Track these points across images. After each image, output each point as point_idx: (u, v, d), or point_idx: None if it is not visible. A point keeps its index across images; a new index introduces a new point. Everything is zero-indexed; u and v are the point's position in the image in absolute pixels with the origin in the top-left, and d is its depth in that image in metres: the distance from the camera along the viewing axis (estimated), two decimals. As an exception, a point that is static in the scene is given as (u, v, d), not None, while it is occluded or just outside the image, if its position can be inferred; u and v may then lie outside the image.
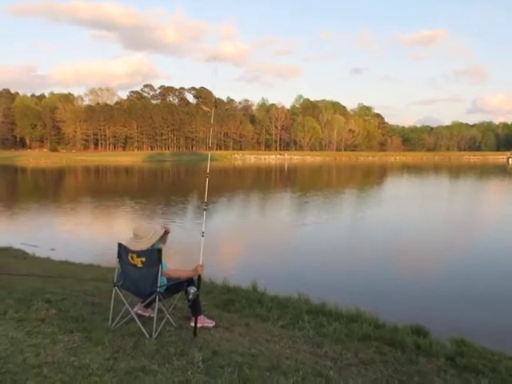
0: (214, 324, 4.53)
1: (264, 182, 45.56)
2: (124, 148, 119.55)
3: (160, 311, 4.21)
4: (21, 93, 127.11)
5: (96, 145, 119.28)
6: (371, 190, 34.00)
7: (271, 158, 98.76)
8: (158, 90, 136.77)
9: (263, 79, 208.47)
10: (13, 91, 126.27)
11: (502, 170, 61.90)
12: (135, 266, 4.15)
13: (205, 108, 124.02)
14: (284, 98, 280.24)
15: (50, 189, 35.71)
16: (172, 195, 28.00)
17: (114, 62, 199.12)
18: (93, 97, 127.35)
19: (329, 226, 16.98)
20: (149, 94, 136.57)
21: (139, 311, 4.44)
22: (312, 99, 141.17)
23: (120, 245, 4.24)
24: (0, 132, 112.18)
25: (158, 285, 4.06)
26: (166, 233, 4.51)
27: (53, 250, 10.93)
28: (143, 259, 4.11)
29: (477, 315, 7.20)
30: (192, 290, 4.18)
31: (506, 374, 3.79)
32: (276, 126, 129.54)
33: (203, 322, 4.43)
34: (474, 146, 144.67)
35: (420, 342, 4.38)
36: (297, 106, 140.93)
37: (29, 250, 10.35)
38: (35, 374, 3.15)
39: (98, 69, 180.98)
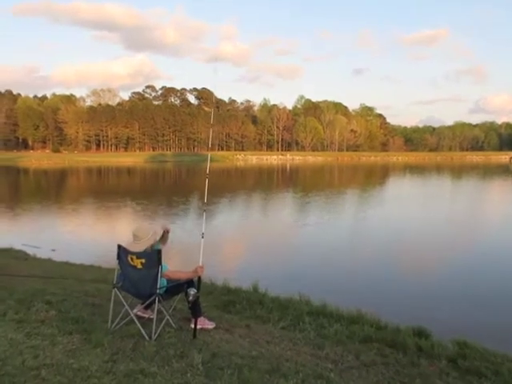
0: (214, 326, 4.51)
1: (265, 182, 45.53)
2: (126, 149, 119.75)
3: (160, 313, 4.18)
4: (23, 94, 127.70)
5: (98, 146, 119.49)
6: (373, 191, 33.93)
7: (273, 159, 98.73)
8: (160, 91, 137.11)
9: (264, 79, 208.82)
10: (15, 92, 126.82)
11: (504, 170, 61.72)
12: (135, 267, 4.13)
13: (206, 109, 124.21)
14: (286, 99, 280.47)
15: (51, 190, 35.77)
16: (173, 196, 28.01)
17: (115, 63, 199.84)
18: (95, 98, 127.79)
19: (330, 226, 16.94)
20: (150, 94, 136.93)
21: (139, 313, 4.41)
22: (314, 100, 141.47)
23: (119, 246, 4.22)
24: (2, 133, 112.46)
25: (158, 286, 4.04)
26: (166, 232, 4.49)
27: (54, 250, 10.93)
28: (143, 260, 4.08)
29: (479, 316, 7.16)
30: (192, 291, 4.16)
31: (509, 377, 3.76)
32: (278, 127, 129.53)
33: (203, 323, 4.41)
34: (476, 146, 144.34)
35: (422, 344, 4.34)
36: (298, 106, 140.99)
37: (30, 251, 10.35)
38: (33, 377, 3.13)
39: (99, 70, 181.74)
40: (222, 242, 13.79)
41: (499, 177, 48.60)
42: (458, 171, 59.66)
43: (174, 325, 4.32)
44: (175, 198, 26.06)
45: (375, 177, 53.28)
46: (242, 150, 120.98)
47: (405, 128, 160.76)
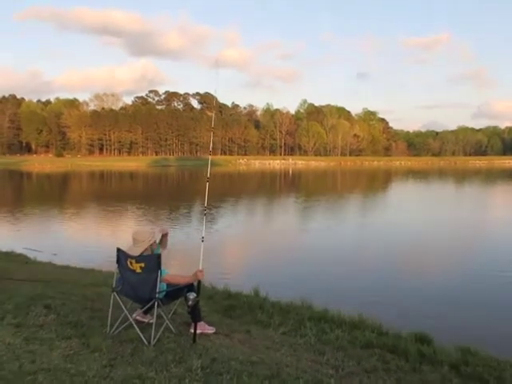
0: (214, 330, 4.47)
1: (268, 186, 45.51)
2: (129, 153, 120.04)
3: (159, 317, 4.15)
4: (27, 98, 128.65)
5: (101, 150, 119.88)
6: (375, 196, 33.85)
7: (276, 163, 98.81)
8: (163, 96, 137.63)
9: (267, 84, 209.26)
10: (19, 97, 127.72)
11: (508, 175, 61.50)
12: (134, 271, 4.10)
13: (209, 113, 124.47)
14: (288, 103, 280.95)
15: (54, 194, 35.85)
16: (174, 200, 28.03)
17: (119, 68, 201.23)
18: (98, 102, 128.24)
19: (332, 231, 16.88)
20: (154, 99, 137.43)
21: (138, 317, 4.38)
22: (316, 104, 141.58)
23: (119, 250, 4.19)
24: (6, 137, 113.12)
25: (157, 290, 4.01)
26: (165, 236, 4.46)
27: (55, 254, 10.92)
28: (142, 265, 4.05)
29: (482, 322, 7.08)
30: (191, 295, 4.12)
31: (512, 384, 3.70)
32: (280, 131, 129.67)
33: (203, 328, 4.37)
34: (479, 151, 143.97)
35: (424, 350, 4.30)
36: (301, 110, 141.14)
37: (31, 255, 10.34)
38: (30, 382, 3.10)
39: (103, 74, 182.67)
40: (223, 246, 13.75)
41: (503, 181, 48.42)
42: (462, 176, 59.47)
43: (173, 329, 4.29)
44: (176, 202, 26.07)
45: (378, 182, 53.19)
46: (245, 154, 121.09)
47: (408, 132, 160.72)
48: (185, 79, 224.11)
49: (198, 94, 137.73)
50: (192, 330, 4.17)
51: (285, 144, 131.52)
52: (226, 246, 14.16)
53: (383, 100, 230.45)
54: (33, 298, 5.21)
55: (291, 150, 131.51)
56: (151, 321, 4.19)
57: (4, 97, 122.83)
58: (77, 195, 35.00)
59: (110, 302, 4.20)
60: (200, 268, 4.28)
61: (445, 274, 10.53)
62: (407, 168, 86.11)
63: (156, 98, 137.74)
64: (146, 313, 4.44)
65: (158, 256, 4.04)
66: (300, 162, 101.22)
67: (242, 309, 5.42)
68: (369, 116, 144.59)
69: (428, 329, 5.01)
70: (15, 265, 8.70)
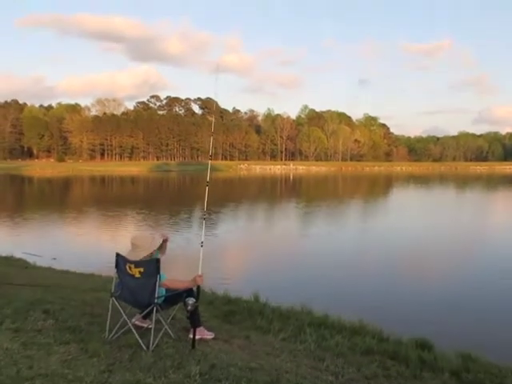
0: (213, 336, 4.44)
1: (269, 192, 45.50)
2: (130, 158, 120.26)
3: (158, 322, 4.12)
4: (29, 103, 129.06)
5: (102, 155, 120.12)
6: (376, 202, 33.82)
7: (276, 168, 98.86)
8: (164, 101, 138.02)
9: (268, 89, 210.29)
10: (21, 102, 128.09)
11: (509, 181, 61.44)
12: (133, 276, 4.08)
13: (210, 118, 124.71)
14: (289, 109, 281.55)
15: (55, 198, 35.88)
16: (175, 205, 28.03)
17: (120, 73, 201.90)
18: (100, 107, 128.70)
19: (333, 236, 16.85)
20: (155, 104, 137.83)
21: (137, 322, 4.35)
22: (317, 109, 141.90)
23: (118, 255, 4.18)
24: (8, 142, 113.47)
25: (156, 295, 3.98)
26: (165, 241, 4.45)
27: (54, 259, 10.90)
28: (141, 269, 4.03)
29: (484, 329, 7.04)
30: (191, 300, 4.09)
31: (514, 391, 3.67)
32: (281, 136, 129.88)
33: (202, 333, 4.34)
34: (480, 157, 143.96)
35: (424, 357, 4.27)
36: (302, 116, 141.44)
37: (30, 260, 10.32)
38: (27, 387, 3.08)
39: (105, 80, 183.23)
40: (223, 251, 13.72)
41: (504, 187, 48.36)
42: (463, 182, 59.43)
43: (172, 335, 4.26)
44: (177, 207, 26.08)
45: (378, 187, 53.17)
46: (246, 159, 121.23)
47: (408, 138, 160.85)
48: (186, 84, 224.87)
49: (199, 99, 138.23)
50: (191, 336, 4.14)
51: (286, 149, 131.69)
52: (226, 250, 14.13)
53: (384, 106, 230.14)
54: (32, 302, 5.19)
55: (292, 155, 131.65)
56: (150, 326, 4.16)
57: (6, 102, 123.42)
58: (77, 200, 35.02)
59: (109, 307, 4.18)
60: (199, 273, 4.26)
61: (445, 280, 10.48)
62: (408, 173, 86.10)
63: (157, 104, 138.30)
64: (145, 318, 4.42)
65: (157, 261, 4.02)
66: (301, 167, 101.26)
67: (242, 314, 5.40)
68: (370, 121, 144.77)
69: (428, 334, 4.99)
70: (15, 269, 8.68)
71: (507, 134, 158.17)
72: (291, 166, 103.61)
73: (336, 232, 17.88)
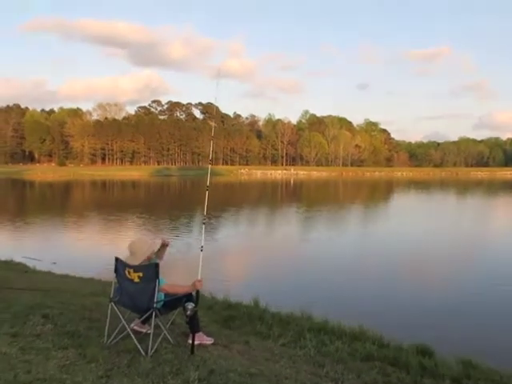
0: (212, 341, 4.41)
1: (269, 196, 45.49)
2: (131, 162, 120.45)
3: (157, 327, 4.10)
4: (31, 108, 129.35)
5: (103, 159, 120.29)
6: (376, 207, 33.79)
7: (277, 173, 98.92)
8: (166, 106, 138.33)
9: (269, 94, 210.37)
10: (23, 106, 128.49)
11: (510, 186, 61.38)
12: (132, 280, 4.07)
13: (211, 123, 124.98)
14: (290, 114, 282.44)
15: (55, 202, 35.89)
16: (175, 209, 28.01)
17: (122, 78, 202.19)
18: (101, 112, 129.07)
19: (333, 241, 16.81)
20: (156, 109, 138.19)
21: (136, 327, 4.33)
22: (318, 114, 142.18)
23: (117, 259, 4.17)
24: (9, 146, 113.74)
25: (155, 300, 3.97)
26: (164, 246, 4.43)
27: (54, 263, 10.88)
28: (140, 274, 4.02)
29: (485, 335, 7.00)
30: (190, 305, 4.07)
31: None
32: (282, 141, 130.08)
33: (201, 339, 4.31)
34: (481, 162, 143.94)
35: (425, 363, 4.24)
36: (303, 121, 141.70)
37: (30, 264, 10.30)
38: (25, 392, 3.06)
39: (107, 84, 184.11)
40: (223, 255, 13.69)
41: (505, 193, 48.30)
42: (464, 187, 59.37)
43: (171, 340, 4.24)
44: (177, 212, 26.06)
45: (379, 192, 53.13)
46: (247, 164, 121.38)
47: (409, 143, 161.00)
48: (188, 89, 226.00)
49: (200, 104, 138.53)
50: (190, 341, 4.12)
51: (286, 154, 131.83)
52: (226, 255, 14.10)
53: (385, 111, 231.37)
54: (31, 307, 5.17)
55: (293, 160, 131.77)
56: (149, 331, 4.14)
57: (8, 106, 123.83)
58: (78, 204, 35.03)
59: (108, 312, 4.17)
60: (199, 278, 4.25)
61: (446, 285, 10.44)
62: (409, 179, 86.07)
63: (159, 108, 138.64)
64: (144, 323, 4.40)
65: (157, 265, 4.00)
66: (301, 173, 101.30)
67: (242, 319, 5.37)
68: (370, 127, 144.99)
69: (429, 340, 4.96)
70: (14, 274, 8.66)
71: (508, 139, 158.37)
72: (292, 170, 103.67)
73: (336, 237, 17.85)
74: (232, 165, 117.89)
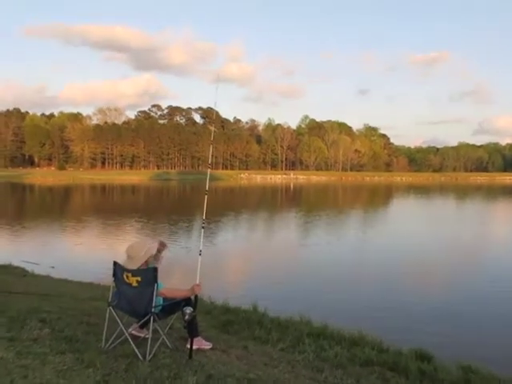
0: (210, 346, 4.39)
1: (269, 201, 45.47)
2: (131, 167, 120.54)
3: (155, 332, 4.08)
4: (31, 112, 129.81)
5: (103, 163, 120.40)
6: (376, 212, 33.77)
7: (277, 178, 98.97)
8: (166, 110, 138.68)
9: (269, 99, 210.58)
10: (23, 110, 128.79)
11: (509, 191, 61.42)
12: (130, 285, 4.04)
13: (211, 127, 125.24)
14: (290, 118, 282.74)
15: (55, 206, 35.86)
16: (174, 213, 27.97)
17: (122, 82, 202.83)
18: (101, 116, 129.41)
19: (333, 246, 16.78)
20: (156, 113, 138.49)
21: (134, 332, 4.31)
22: (318, 119, 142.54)
23: (115, 263, 4.15)
24: (9, 150, 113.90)
25: (153, 305, 3.94)
26: (162, 249, 4.41)
27: (53, 267, 10.85)
28: (138, 278, 4.00)
29: (484, 340, 6.97)
30: (188, 310, 4.05)
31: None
32: (282, 146, 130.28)
33: (200, 343, 4.29)
34: (480, 167, 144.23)
35: (424, 368, 4.22)
36: (303, 126, 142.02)
37: (29, 268, 10.27)
38: (21, 397, 3.03)
39: (106, 89, 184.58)
40: (222, 260, 13.66)
41: (504, 198, 48.31)
42: (463, 192, 59.39)
43: (169, 345, 4.21)
44: (176, 216, 26.01)
45: (379, 197, 53.14)
46: (247, 169, 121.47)
47: (409, 148, 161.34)
48: (188, 94, 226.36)
49: (200, 108, 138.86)
50: (188, 346, 4.10)
51: (286, 159, 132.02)
52: (225, 259, 14.07)
53: (384, 116, 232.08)
54: (29, 311, 5.14)
55: (292, 165, 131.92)
56: (147, 336, 4.12)
57: (8, 110, 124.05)
58: (78, 208, 34.99)
59: (106, 317, 4.14)
60: (197, 282, 4.23)
61: (445, 290, 10.42)
62: (408, 184, 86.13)
63: (159, 113, 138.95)
64: (142, 327, 4.37)
65: (155, 269, 3.98)
66: (301, 177, 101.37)
67: (240, 324, 5.35)
68: (370, 132, 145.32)
69: (429, 345, 4.94)
70: (13, 278, 8.64)
71: (507, 144, 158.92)
72: (292, 175, 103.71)
73: (336, 242, 17.82)
74: (232, 169, 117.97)
